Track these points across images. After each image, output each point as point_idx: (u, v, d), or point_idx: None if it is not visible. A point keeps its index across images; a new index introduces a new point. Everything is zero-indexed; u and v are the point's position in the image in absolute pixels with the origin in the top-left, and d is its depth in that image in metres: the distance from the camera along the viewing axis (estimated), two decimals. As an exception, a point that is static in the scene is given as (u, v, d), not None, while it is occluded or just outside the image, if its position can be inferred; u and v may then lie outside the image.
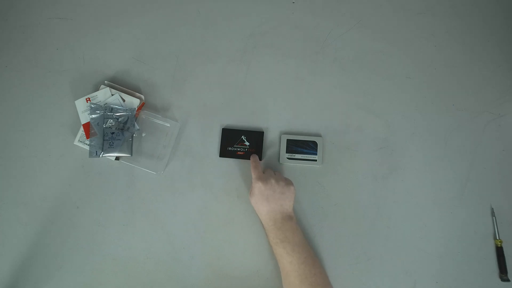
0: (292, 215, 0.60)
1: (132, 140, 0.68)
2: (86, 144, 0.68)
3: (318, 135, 0.69)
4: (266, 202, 0.59)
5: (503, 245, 0.63)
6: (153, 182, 0.68)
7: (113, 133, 0.67)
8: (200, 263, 0.64)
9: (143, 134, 0.70)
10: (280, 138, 0.69)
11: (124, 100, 0.70)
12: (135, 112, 0.69)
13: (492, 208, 0.65)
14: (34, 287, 0.63)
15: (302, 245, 0.57)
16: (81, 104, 0.69)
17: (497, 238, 0.63)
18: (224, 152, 0.69)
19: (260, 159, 0.68)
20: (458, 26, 0.76)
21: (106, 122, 0.67)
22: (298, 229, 0.59)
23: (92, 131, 0.67)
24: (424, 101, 0.71)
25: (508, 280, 0.61)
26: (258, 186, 0.59)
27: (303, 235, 0.59)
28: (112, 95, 0.70)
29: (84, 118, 0.68)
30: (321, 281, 0.56)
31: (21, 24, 0.77)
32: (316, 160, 0.68)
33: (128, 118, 0.68)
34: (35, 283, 0.63)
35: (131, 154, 0.67)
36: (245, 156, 0.68)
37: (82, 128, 0.69)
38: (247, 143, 0.69)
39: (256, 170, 0.62)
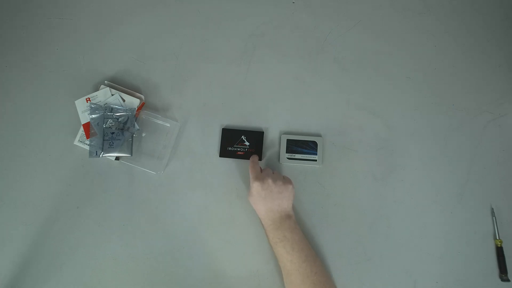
0: (291, 214, 0.60)
1: (132, 140, 0.68)
2: (86, 144, 0.68)
3: (318, 135, 0.69)
4: (263, 201, 0.59)
5: (503, 245, 0.63)
6: (153, 182, 0.68)
7: (113, 133, 0.67)
8: (200, 263, 0.64)
9: (143, 134, 0.70)
10: (280, 138, 0.69)
11: (124, 100, 0.70)
12: (135, 112, 0.69)
13: (492, 208, 0.65)
14: (34, 287, 0.63)
15: (301, 244, 0.57)
16: (81, 104, 0.69)
17: (497, 238, 0.63)
18: (224, 152, 0.69)
19: (260, 159, 0.68)
20: (458, 26, 0.76)
21: (106, 122, 0.67)
22: (297, 228, 0.59)
23: (92, 131, 0.67)
24: (424, 101, 0.71)
25: (508, 280, 0.61)
26: (255, 186, 0.59)
27: (302, 234, 0.59)
28: (112, 95, 0.70)
29: (84, 118, 0.69)
30: (323, 279, 0.56)
31: (21, 24, 0.77)
32: (316, 160, 0.68)
33: (128, 118, 0.68)
34: (35, 283, 0.63)
35: (131, 154, 0.67)
36: (245, 156, 0.68)
37: (82, 128, 0.69)
38: (247, 143, 0.69)
39: (253, 170, 0.62)
